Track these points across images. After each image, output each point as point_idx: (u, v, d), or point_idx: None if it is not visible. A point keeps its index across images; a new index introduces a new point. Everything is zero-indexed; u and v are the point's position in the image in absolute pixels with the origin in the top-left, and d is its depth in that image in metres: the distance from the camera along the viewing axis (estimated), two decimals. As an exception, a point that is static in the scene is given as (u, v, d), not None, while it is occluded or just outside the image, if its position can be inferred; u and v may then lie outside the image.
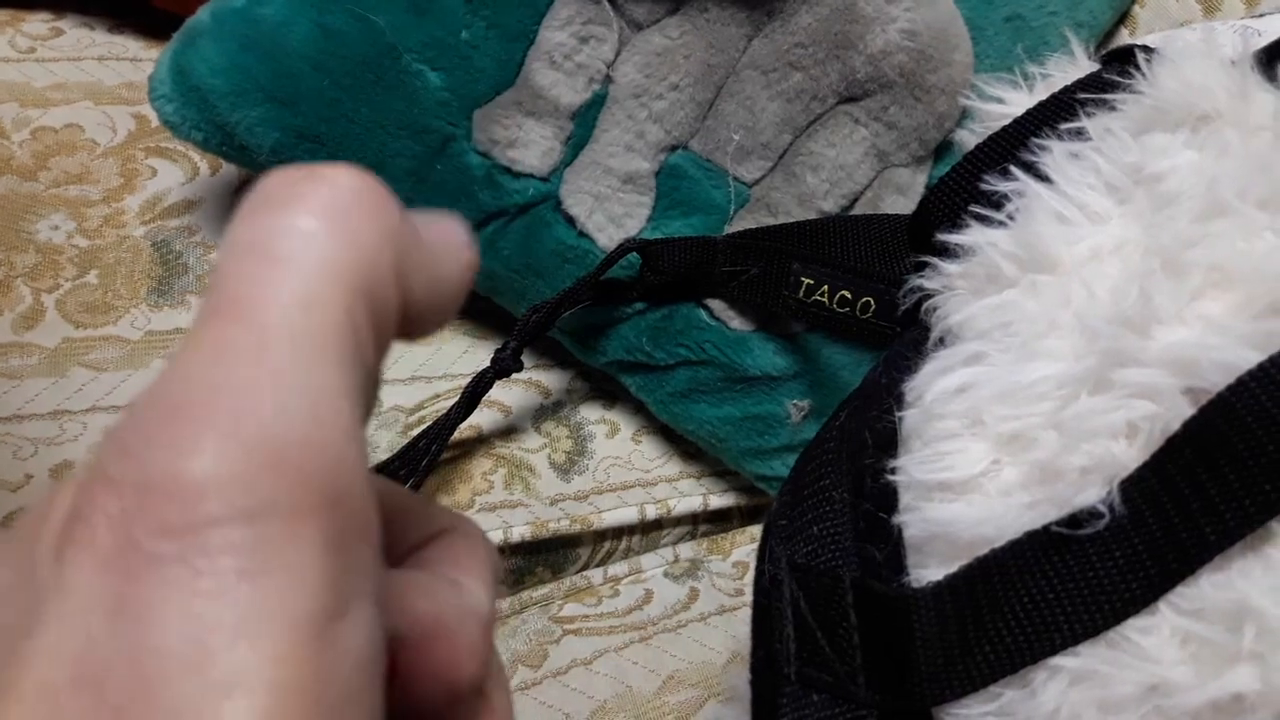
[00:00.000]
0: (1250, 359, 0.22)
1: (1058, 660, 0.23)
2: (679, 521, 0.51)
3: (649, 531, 0.51)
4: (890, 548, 0.26)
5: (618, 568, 0.49)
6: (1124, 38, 0.55)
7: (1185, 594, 0.22)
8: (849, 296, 0.43)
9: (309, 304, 0.13)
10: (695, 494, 0.51)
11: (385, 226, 0.14)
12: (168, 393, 0.12)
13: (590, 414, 0.51)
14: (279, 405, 0.12)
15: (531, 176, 0.45)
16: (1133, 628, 0.22)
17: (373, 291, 0.13)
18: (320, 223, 0.13)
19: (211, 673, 0.11)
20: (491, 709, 0.17)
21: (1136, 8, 0.54)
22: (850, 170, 0.47)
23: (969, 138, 0.36)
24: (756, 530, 0.52)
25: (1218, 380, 0.22)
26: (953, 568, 0.25)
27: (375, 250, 0.14)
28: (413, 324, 0.15)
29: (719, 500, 0.51)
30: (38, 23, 0.57)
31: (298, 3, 0.43)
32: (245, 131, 0.44)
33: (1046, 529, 0.23)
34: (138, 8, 0.57)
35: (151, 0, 0.57)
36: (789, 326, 0.47)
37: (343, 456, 0.13)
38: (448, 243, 0.16)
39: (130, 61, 0.57)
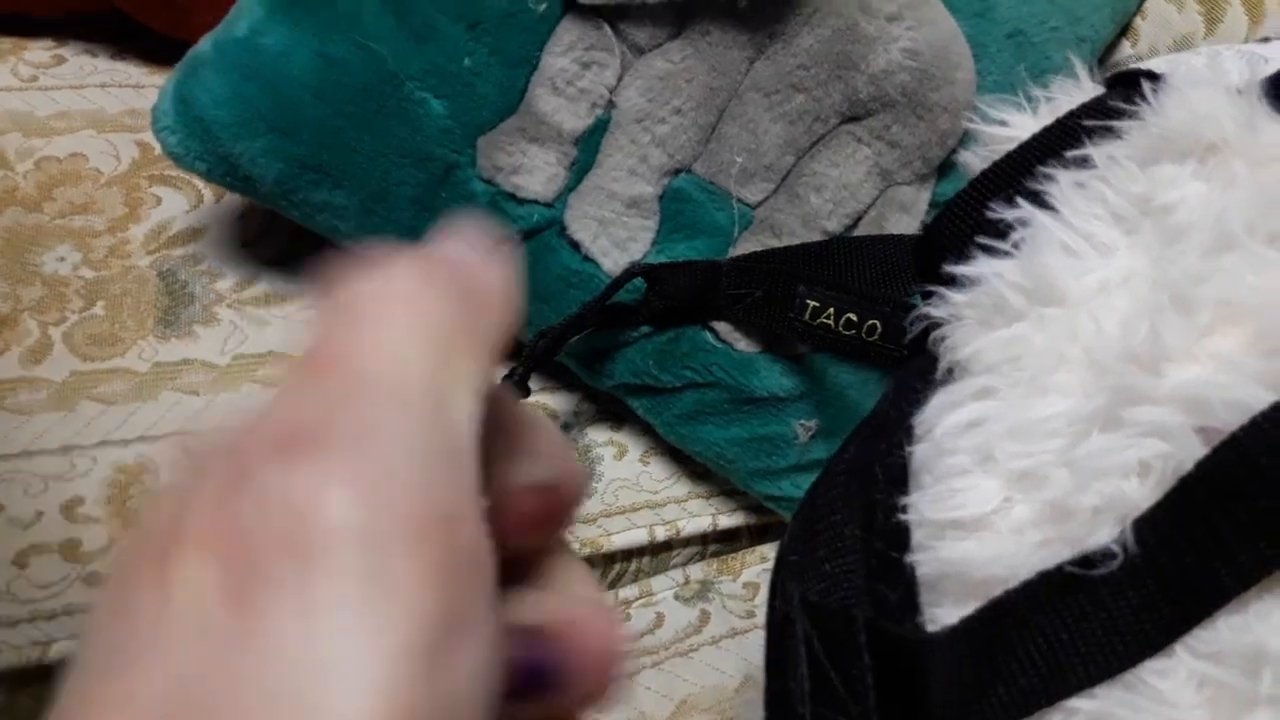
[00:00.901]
0: (1262, 398, 0.22)
1: (1074, 703, 0.22)
2: (688, 542, 0.51)
3: (658, 553, 0.50)
4: (903, 587, 0.26)
5: (628, 590, 0.48)
6: (1125, 50, 0.55)
7: (1202, 636, 0.21)
8: (855, 319, 0.43)
9: (395, 354, 0.14)
10: (704, 514, 0.51)
11: (452, 288, 0.15)
12: (278, 424, 0.13)
13: (598, 436, 0.51)
14: (390, 437, 0.13)
15: (536, 202, 0.45)
16: (1149, 670, 0.22)
17: (452, 342, 0.15)
18: (399, 286, 0.15)
19: (316, 709, 0.11)
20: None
21: (1138, 20, 0.54)
22: (854, 189, 0.47)
23: (973, 160, 0.35)
24: (766, 550, 0.51)
25: (1230, 419, 0.22)
26: (967, 606, 0.25)
27: (450, 308, 0.15)
28: None
29: (728, 520, 0.51)
30: (40, 51, 0.57)
31: (299, 32, 0.43)
32: (249, 163, 0.44)
33: (1059, 569, 0.23)
34: (140, 34, 0.58)
35: (154, 25, 0.57)
36: (795, 347, 0.47)
37: (452, 479, 0.14)
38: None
39: (133, 88, 0.57)
